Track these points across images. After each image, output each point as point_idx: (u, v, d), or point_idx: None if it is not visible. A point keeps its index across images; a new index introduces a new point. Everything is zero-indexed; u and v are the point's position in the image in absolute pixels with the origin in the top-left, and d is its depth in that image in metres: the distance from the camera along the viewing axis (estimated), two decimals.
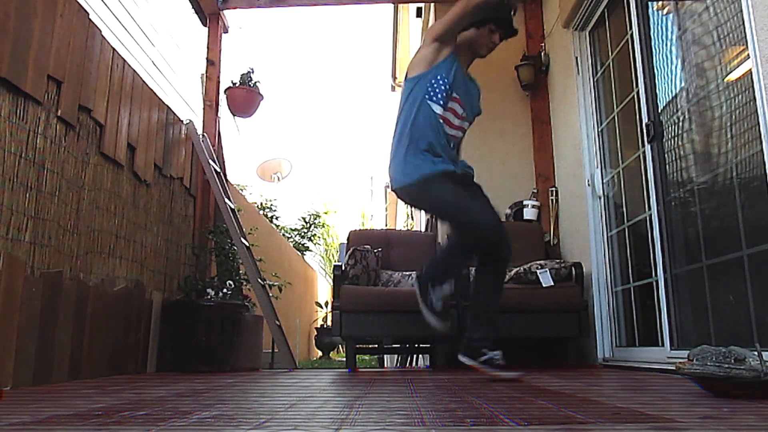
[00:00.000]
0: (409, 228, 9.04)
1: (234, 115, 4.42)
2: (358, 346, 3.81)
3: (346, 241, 4.03)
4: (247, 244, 4.11)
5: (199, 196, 4.20)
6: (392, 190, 2.57)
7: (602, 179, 3.51)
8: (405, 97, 2.47)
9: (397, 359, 5.63)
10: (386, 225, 13.89)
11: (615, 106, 3.38)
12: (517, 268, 3.51)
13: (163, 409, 1.35)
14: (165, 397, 1.69)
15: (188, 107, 5.17)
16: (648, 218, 2.87)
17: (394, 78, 10.16)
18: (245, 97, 4.32)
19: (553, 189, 4.10)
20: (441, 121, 2.40)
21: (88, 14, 2.81)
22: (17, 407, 1.44)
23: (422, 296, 2.39)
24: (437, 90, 2.39)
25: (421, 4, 6.03)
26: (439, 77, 2.39)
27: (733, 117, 2.29)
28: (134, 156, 3.26)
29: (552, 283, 3.35)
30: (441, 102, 2.39)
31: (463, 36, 2.49)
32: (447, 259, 2.52)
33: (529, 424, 1.05)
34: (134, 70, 3.32)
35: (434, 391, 1.86)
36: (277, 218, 8.79)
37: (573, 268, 3.44)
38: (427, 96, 2.39)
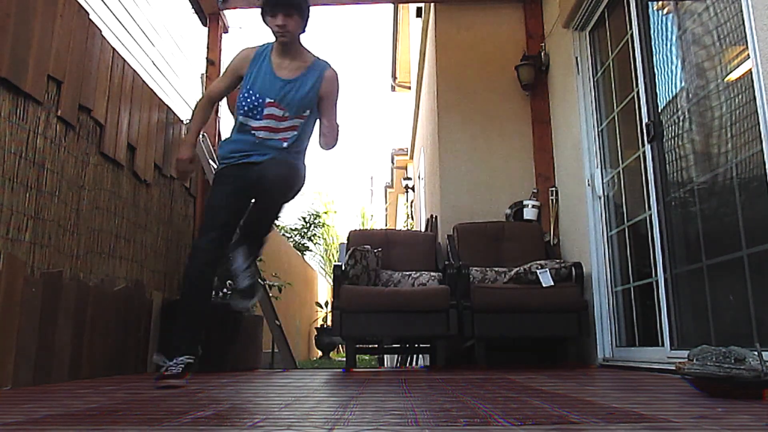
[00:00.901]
0: (409, 228, 9.04)
1: (234, 116, 4.42)
2: (358, 346, 3.81)
3: (346, 241, 4.04)
4: None
5: (199, 196, 4.20)
6: None
7: (602, 179, 3.50)
8: None
9: (397, 359, 5.63)
10: (386, 225, 13.90)
11: (615, 106, 3.37)
12: (517, 268, 3.51)
13: (158, 410, 1.35)
14: (160, 397, 1.69)
15: (188, 107, 5.17)
16: (648, 218, 2.87)
17: (394, 78, 10.16)
18: None
19: (553, 189, 4.10)
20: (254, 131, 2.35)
21: (88, 14, 2.82)
22: (13, 407, 1.44)
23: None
24: (248, 104, 2.35)
25: (421, 4, 6.03)
26: (249, 91, 2.36)
27: (733, 117, 2.28)
28: (134, 156, 3.26)
29: (552, 283, 3.35)
30: (251, 114, 2.35)
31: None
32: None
33: (523, 424, 1.05)
34: (134, 70, 3.33)
35: (428, 391, 1.85)
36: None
37: (573, 268, 3.43)
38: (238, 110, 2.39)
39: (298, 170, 2.34)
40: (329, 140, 2.42)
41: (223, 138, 2.47)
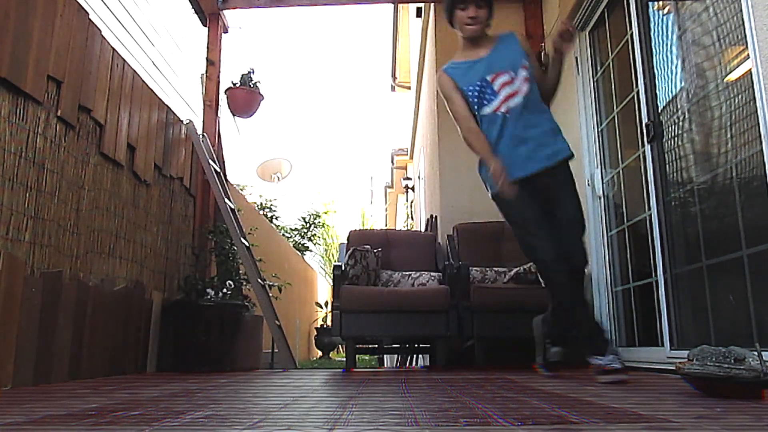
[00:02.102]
0: (409, 228, 9.04)
1: (234, 116, 4.43)
2: (358, 346, 3.81)
3: (346, 241, 4.04)
4: (247, 244, 4.11)
5: (199, 196, 4.20)
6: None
7: (602, 179, 3.50)
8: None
9: (397, 359, 5.63)
10: (386, 225, 13.90)
11: (615, 106, 3.37)
12: (517, 268, 3.51)
13: (157, 409, 1.35)
14: (159, 397, 1.69)
15: (188, 107, 5.17)
16: (648, 218, 2.87)
17: (394, 78, 10.16)
18: (245, 97, 4.33)
19: None
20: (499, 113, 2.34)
21: (88, 14, 2.82)
22: (12, 407, 1.45)
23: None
24: (479, 97, 2.36)
25: (421, 4, 6.03)
26: (468, 88, 2.39)
27: (733, 117, 2.28)
28: (134, 156, 3.27)
29: None
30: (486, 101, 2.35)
31: (454, 25, 2.49)
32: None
33: (522, 424, 1.05)
34: (134, 70, 3.33)
35: (428, 391, 1.85)
36: (277, 218, 8.80)
37: None
38: (476, 110, 2.38)
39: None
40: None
41: None
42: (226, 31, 4.65)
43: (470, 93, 2.37)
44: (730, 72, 2.30)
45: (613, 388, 1.94)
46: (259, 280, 4.01)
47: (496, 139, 2.34)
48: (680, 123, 2.68)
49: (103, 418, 1.21)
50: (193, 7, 4.47)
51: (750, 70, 2.05)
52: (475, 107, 2.37)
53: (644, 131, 2.87)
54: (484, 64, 2.39)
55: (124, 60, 3.20)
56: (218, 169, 4.18)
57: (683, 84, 2.69)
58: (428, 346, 3.91)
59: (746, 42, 2.05)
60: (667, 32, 2.86)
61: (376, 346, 4.24)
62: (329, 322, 8.69)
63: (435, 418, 1.16)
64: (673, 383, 1.97)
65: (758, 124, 2.00)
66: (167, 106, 3.80)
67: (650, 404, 1.35)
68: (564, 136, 2.41)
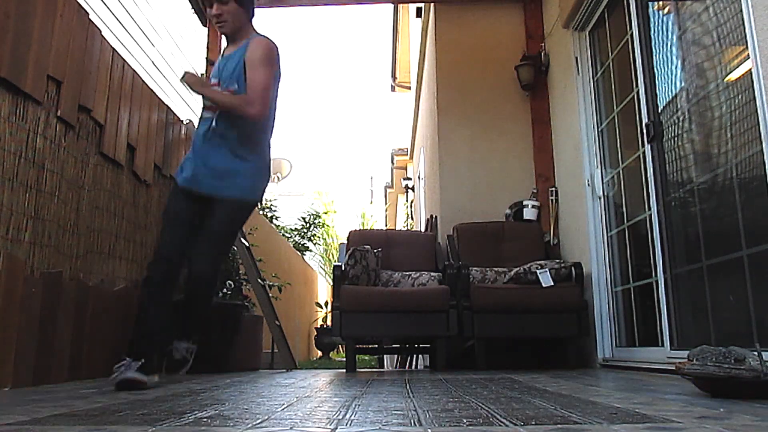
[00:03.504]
0: (409, 228, 9.04)
1: None
2: (358, 346, 3.81)
3: (346, 241, 4.04)
4: (247, 244, 4.11)
5: None
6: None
7: (602, 179, 3.50)
8: None
9: (397, 359, 5.63)
10: (386, 225, 13.90)
11: (615, 106, 3.38)
12: (517, 268, 3.51)
13: (160, 410, 1.35)
14: (162, 397, 1.69)
15: (188, 107, 5.17)
16: (648, 218, 2.87)
17: (394, 78, 10.16)
18: None
19: (553, 189, 4.10)
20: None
21: (88, 14, 2.82)
22: (15, 407, 1.44)
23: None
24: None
25: (421, 4, 6.03)
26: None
27: (733, 117, 2.28)
28: (134, 156, 3.26)
29: (552, 283, 3.35)
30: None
31: None
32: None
33: (525, 424, 1.05)
34: (134, 70, 3.33)
35: (431, 391, 1.86)
36: (277, 218, 8.79)
37: (573, 268, 3.43)
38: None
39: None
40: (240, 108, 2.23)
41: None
42: None
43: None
44: (730, 72, 2.30)
45: (610, 388, 1.94)
46: (259, 280, 4.01)
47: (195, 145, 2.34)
48: (680, 123, 2.69)
49: (107, 417, 1.21)
50: (193, 7, 4.46)
51: (750, 70, 2.05)
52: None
53: (644, 131, 2.87)
54: (219, 65, 2.35)
55: (124, 60, 3.20)
56: None
57: (683, 84, 2.70)
58: (428, 346, 3.91)
59: (746, 42, 2.06)
60: (667, 32, 2.86)
61: (377, 346, 4.24)
62: (329, 322, 8.69)
63: (438, 419, 1.16)
64: (674, 383, 1.97)
65: (758, 124, 2.00)
66: (167, 106, 3.80)
67: (653, 404, 1.36)
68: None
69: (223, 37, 2.41)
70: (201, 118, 2.38)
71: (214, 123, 2.27)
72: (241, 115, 2.24)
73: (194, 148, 2.36)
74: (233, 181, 2.29)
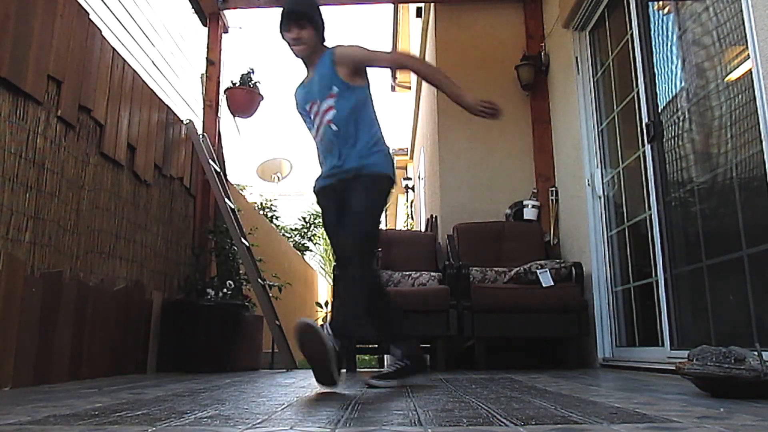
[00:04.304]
0: (409, 228, 9.04)
1: (234, 116, 4.42)
2: (358, 346, 3.81)
3: None
4: (247, 244, 4.11)
5: (199, 196, 4.20)
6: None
7: (602, 179, 3.50)
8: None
9: None
10: (386, 225, 13.89)
11: (615, 106, 3.38)
12: (517, 268, 3.51)
13: (161, 409, 1.35)
14: (163, 397, 1.69)
15: (188, 107, 5.17)
16: (648, 218, 2.87)
17: (394, 78, 10.16)
18: (245, 97, 4.32)
19: (553, 189, 4.10)
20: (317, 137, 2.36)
21: (88, 14, 2.82)
22: (15, 407, 1.44)
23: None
24: (306, 122, 2.41)
25: (421, 4, 6.02)
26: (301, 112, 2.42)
27: (733, 117, 2.28)
28: (134, 156, 3.26)
29: (552, 283, 3.35)
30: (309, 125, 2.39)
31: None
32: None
33: (525, 424, 1.05)
34: (134, 70, 3.33)
35: (431, 390, 1.86)
36: (277, 218, 8.79)
37: (573, 268, 3.43)
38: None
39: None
40: (424, 73, 2.41)
41: None
42: (226, 31, 4.65)
43: (303, 118, 2.42)
44: (730, 72, 2.31)
45: (611, 388, 1.94)
46: (259, 280, 4.01)
47: (323, 155, 2.36)
48: (680, 123, 2.69)
49: (107, 417, 1.21)
50: (193, 7, 4.46)
51: (750, 70, 2.05)
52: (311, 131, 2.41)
53: (644, 131, 2.87)
54: (306, 92, 2.37)
55: (124, 60, 3.20)
56: (218, 169, 4.18)
57: (683, 84, 2.70)
58: (428, 346, 3.91)
59: (746, 42, 2.06)
60: (667, 32, 2.86)
61: (377, 346, 4.24)
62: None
63: (438, 418, 1.16)
64: (674, 383, 1.97)
65: (758, 123, 2.00)
66: (167, 106, 3.80)
67: (653, 404, 1.36)
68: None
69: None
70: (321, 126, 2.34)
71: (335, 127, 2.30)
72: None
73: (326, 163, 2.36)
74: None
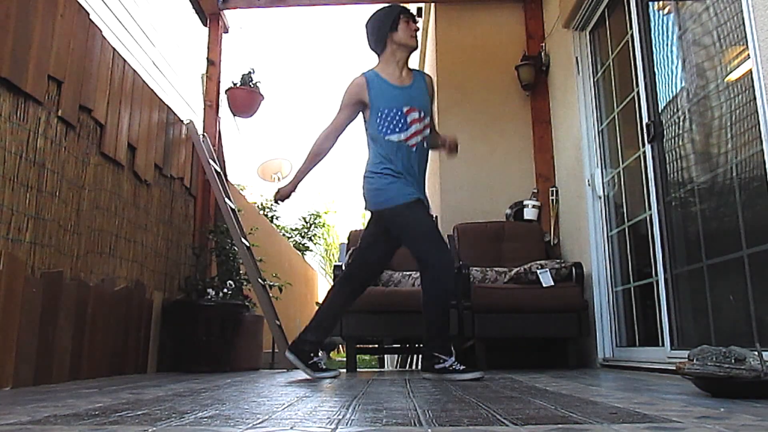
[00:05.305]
0: None
1: (234, 116, 4.42)
2: (358, 346, 3.81)
3: (346, 241, 4.04)
4: (247, 244, 4.11)
5: (200, 196, 4.20)
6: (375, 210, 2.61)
7: (602, 179, 3.50)
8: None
9: (397, 359, 5.64)
10: None
11: (615, 106, 3.38)
12: (518, 268, 3.51)
13: (161, 409, 1.35)
14: (163, 397, 1.69)
15: (188, 107, 5.17)
16: (648, 218, 2.87)
17: None
18: (246, 97, 4.33)
19: (554, 189, 4.10)
20: (405, 142, 2.49)
21: (89, 14, 2.82)
22: (16, 407, 1.45)
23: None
24: (389, 122, 2.49)
25: (422, 4, 6.02)
26: (383, 109, 2.50)
27: (733, 117, 2.29)
28: (135, 156, 3.26)
29: (552, 283, 3.35)
30: (398, 128, 2.49)
31: (393, 41, 2.58)
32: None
33: (526, 424, 1.05)
34: (135, 70, 3.33)
35: (432, 390, 1.86)
36: (277, 218, 8.78)
37: (573, 268, 3.43)
38: (381, 132, 2.49)
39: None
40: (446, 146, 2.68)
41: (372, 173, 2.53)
42: (226, 31, 4.65)
43: (385, 114, 2.49)
44: (731, 72, 2.30)
45: (611, 388, 1.94)
46: (260, 280, 4.01)
47: (403, 165, 2.48)
48: (680, 123, 2.69)
49: (108, 417, 1.21)
50: (193, 7, 4.46)
51: (750, 70, 2.05)
52: (384, 130, 2.47)
53: (644, 131, 2.87)
54: (406, 94, 2.52)
55: (125, 60, 3.20)
56: (219, 169, 4.18)
57: (683, 84, 2.70)
58: None
59: (746, 42, 2.06)
60: (667, 32, 2.86)
61: (377, 346, 4.24)
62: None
63: (438, 418, 1.16)
64: (677, 383, 1.97)
65: (758, 124, 2.00)
66: (168, 106, 3.80)
67: (654, 404, 1.36)
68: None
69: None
70: (390, 146, 2.50)
71: (420, 147, 2.54)
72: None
73: (408, 174, 2.50)
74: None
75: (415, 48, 2.59)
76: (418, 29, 2.55)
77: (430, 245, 2.43)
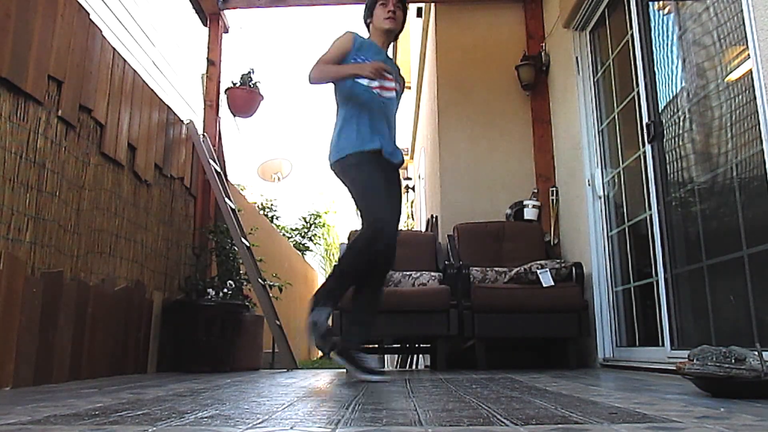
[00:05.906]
0: (409, 228, 9.03)
1: (234, 116, 4.42)
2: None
3: (346, 241, 4.03)
4: (247, 244, 4.11)
5: (200, 196, 4.20)
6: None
7: (602, 179, 3.50)
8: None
9: (397, 359, 5.63)
10: None
11: (615, 106, 3.38)
12: (518, 268, 3.51)
13: (161, 409, 1.35)
14: (163, 397, 1.69)
15: (188, 107, 5.17)
16: (648, 218, 2.87)
17: None
18: (245, 97, 4.33)
19: (554, 189, 4.10)
20: (374, 90, 2.52)
21: (89, 14, 2.82)
22: (16, 407, 1.45)
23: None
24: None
25: (422, 4, 6.02)
26: (359, 58, 2.55)
27: (733, 117, 2.29)
28: (135, 156, 3.26)
29: (552, 283, 3.35)
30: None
31: (374, 26, 2.66)
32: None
33: (526, 424, 1.05)
34: (135, 70, 3.33)
35: (432, 390, 1.86)
36: (277, 218, 8.79)
37: (573, 268, 3.43)
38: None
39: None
40: None
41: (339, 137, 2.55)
42: (226, 31, 4.65)
43: (362, 60, 2.53)
44: (731, 72, 2.31)
45: (611, 388, 1.94)
46: (260, 280, 4.01)
47: (368, 107, 2.51)
48: (681, 123, 2.69)
49: (108, 417, 1.21)
50: (193, 7, 4.47)
51: (750, 70, 2.05)
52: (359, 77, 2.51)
53: (645, 131, 2.87)
54: (388, 63, 2.61)
55: (125, 60, 3.20)
56: (219, 169, 4.18)
57: (684, 84, 2.70)
58: (428, 346, 3.91)
59: (746, 42, 2.06)
60: (667, 32, 2.86)
61: (377, 345, 4.24)
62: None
63: (439, 418, 1.17)
64: (677, 383, 1.97)
65: (758, 124, 2.00)
66: (168, 106, 3.80)
67: (654, 404, 1.36)
68: None
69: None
70: (359, 87, 2.52)
71: (388, 104, 2.57)
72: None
73: (372, 116, 2.51)
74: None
75: (392, 30, 2.62)
76: (394, 10, 2.57)
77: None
